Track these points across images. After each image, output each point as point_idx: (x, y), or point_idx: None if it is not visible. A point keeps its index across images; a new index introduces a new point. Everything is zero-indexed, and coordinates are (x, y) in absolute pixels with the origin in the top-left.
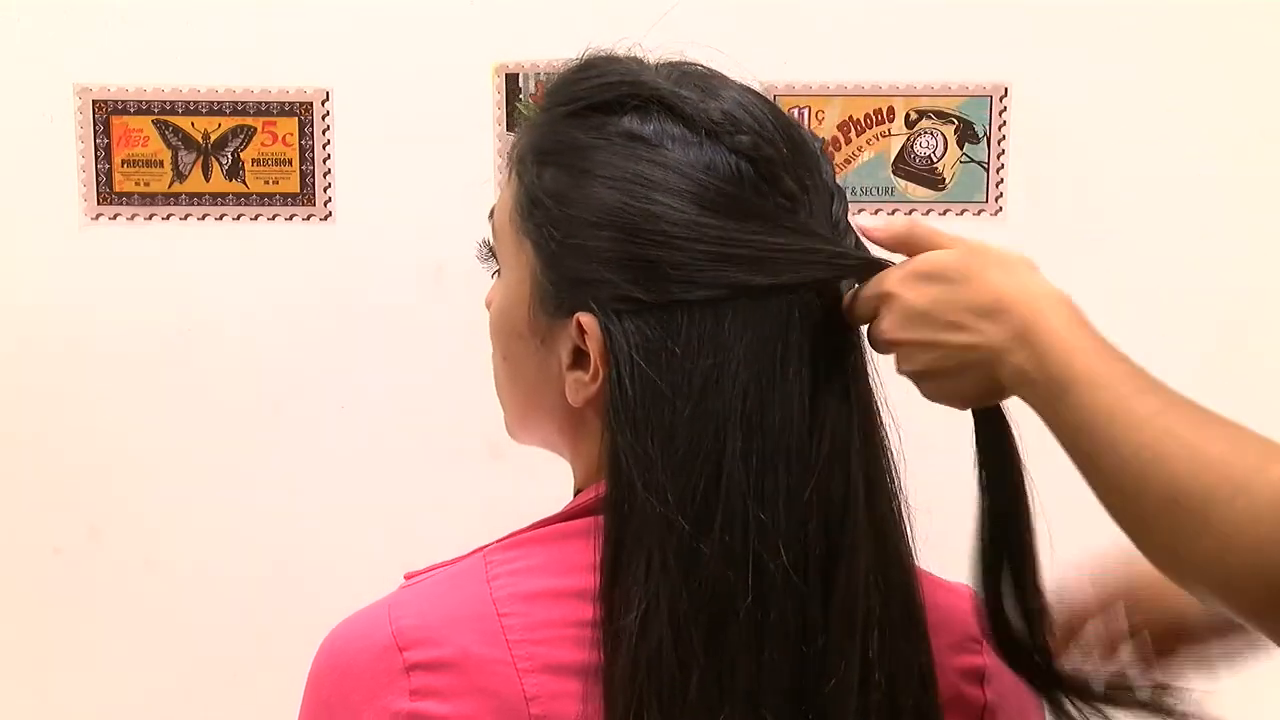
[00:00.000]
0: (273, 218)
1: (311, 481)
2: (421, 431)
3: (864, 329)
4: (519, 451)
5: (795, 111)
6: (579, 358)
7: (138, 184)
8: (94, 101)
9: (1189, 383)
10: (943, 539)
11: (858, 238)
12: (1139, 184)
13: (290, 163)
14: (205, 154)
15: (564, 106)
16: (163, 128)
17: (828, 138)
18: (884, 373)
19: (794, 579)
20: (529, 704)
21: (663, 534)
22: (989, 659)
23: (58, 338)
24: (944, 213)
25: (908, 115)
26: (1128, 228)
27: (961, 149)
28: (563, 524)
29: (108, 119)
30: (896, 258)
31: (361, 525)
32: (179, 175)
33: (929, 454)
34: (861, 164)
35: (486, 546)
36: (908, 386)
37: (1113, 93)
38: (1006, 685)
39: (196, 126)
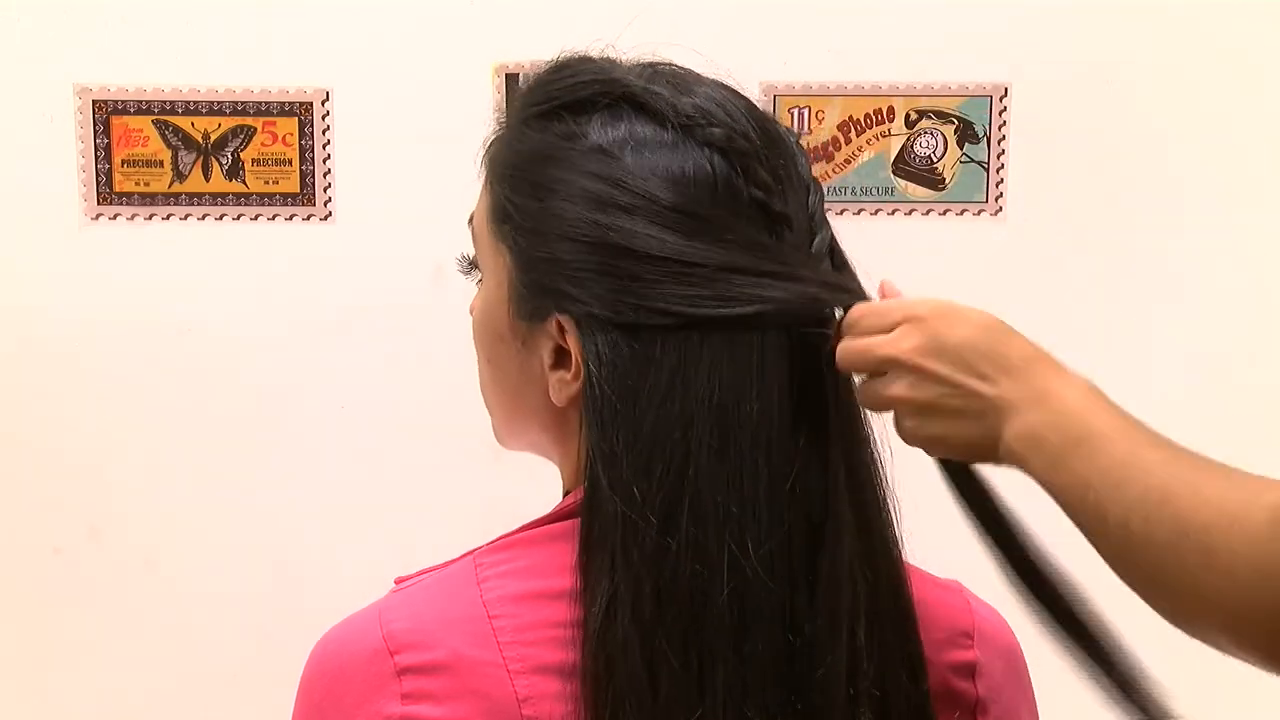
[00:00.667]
0: (273, 218)
1: (311, 482)
2: (422, 432)
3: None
4: (519, 452)
5: (795, 111)
6: (561, 357)
7: (138, 184)
8: (94, 101)
9: (1189, 382)
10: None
11: (834, 234)
12: (1139, 184)
13: (290, 163)
14: (205, 154)
15: (537, 106)
16: (163, 128)
17: (828, 138)
18: None
19: (775, 570)
20: (521, 705)
21: (625, 532)
22: (980, 654)
23: (58, 337)
24: (944, 213)
25: (908, 115)
26: (1127, 228)
27: (961, 149)
28: (550, 525)
29: (108, 119)
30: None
31: (362, 525)
32: (179, 175)
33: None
34: (861, 164)
35: (476, 549)
36: None
37: (1113, 93)
38: (998, 680)
39: (196, 126)
